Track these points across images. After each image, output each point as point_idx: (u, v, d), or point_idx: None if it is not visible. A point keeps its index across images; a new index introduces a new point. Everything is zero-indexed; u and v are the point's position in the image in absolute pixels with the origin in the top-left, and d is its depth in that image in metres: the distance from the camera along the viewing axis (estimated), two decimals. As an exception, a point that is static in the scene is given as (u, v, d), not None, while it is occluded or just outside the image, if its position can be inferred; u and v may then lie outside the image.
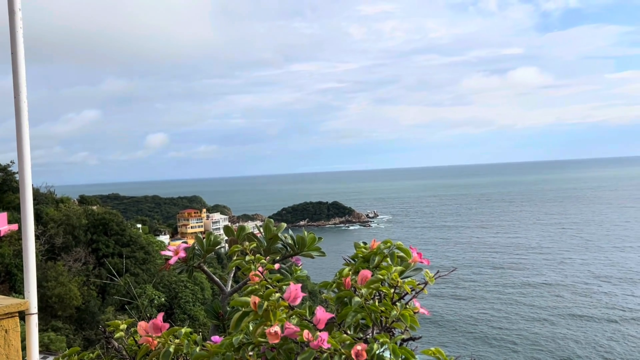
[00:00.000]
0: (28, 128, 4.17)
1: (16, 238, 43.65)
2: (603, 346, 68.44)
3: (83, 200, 78.34)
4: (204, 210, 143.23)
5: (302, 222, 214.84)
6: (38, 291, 4.47)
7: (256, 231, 3.13)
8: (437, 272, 2.01)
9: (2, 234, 43.62)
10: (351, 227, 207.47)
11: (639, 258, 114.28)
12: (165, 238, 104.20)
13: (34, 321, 4.18)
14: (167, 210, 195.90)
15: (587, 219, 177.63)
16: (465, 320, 79.29)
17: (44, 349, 31.69)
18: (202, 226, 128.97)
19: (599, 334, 72.60)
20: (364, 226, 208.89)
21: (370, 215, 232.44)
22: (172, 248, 2.52)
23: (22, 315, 4.19)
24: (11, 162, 54.65)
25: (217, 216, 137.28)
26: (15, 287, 39.29)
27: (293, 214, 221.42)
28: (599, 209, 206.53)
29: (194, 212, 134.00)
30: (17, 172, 54.53)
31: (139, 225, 77.26)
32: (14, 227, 46.34)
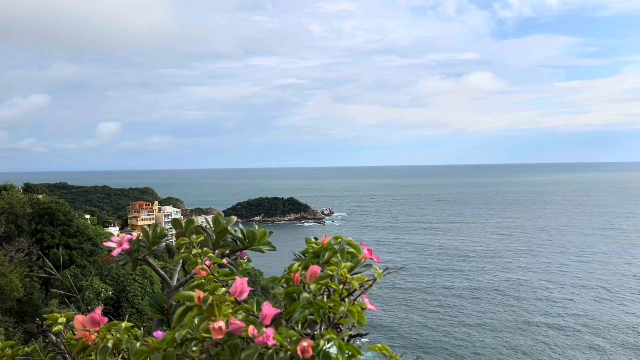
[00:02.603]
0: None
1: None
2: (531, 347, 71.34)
3: (28, 188, 75.11)
4: (156, 202, 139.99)
5: (257, 217, 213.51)
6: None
7: (206, 225, 3.06)
8: (386, 268, 2.01)
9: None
10: (306, 224, 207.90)
11: (573, 263, 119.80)
12: (114, 230, 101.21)
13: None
14: (117, 202, 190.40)
15: (530, 223, 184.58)
16: (404, 323, 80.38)
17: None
18: (153, 219, 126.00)
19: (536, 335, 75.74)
20: (319, 223, 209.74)
21: (326, 212, 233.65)
22: (115, 239, 2.43)
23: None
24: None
25: (169, 209, 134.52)
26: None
27: (248, 209, 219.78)
28: (541, 212, 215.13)
29: (145, 204, 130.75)
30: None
31: (87, 216, 74.75)
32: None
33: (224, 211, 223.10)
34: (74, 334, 2.85)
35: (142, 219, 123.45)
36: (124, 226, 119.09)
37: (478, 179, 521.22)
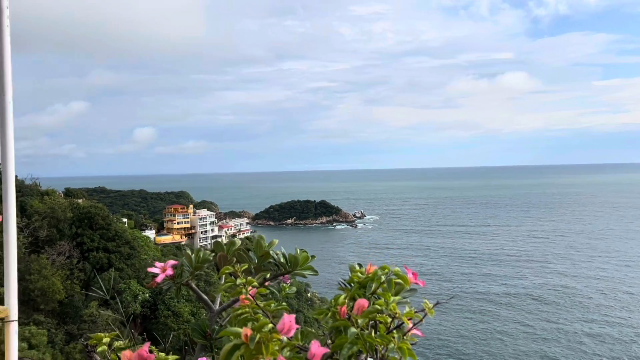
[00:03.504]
0: (13, 130, 4.03)
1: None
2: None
3: (69, 193, 77.44)
4: (191, 206, 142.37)
5: (289, 220, 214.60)
6: (20, 284, 4.34)
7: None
8: (437, 302, 1.94)
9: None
10: (338, 227, 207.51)
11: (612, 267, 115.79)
12: (151, 233, 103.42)
13: (13, 328, 4.05)
14: (153, 205, 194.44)
15: (568, 226, 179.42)
16: (435, 329, 79.04)
17: (25, 344, 31.26)
18: (188, 222, 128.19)
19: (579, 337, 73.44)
20: (351, 226, 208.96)
21: (358, 215, 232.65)
22: (159, 265, 2.43)
23: (2, 322, 4.06)
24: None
25: (203, 212, 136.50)
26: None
27: (280, 212, 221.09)
28: (579, 215, 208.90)
29: (181, 208, 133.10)
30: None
31: (125, 220, 76.56)
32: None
33: (256, 214, 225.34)
34: (118, 357, 2.88)
35: (178, 222, 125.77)
36: (160, 229, 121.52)
37: (513, 181, 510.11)
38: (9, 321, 4.02)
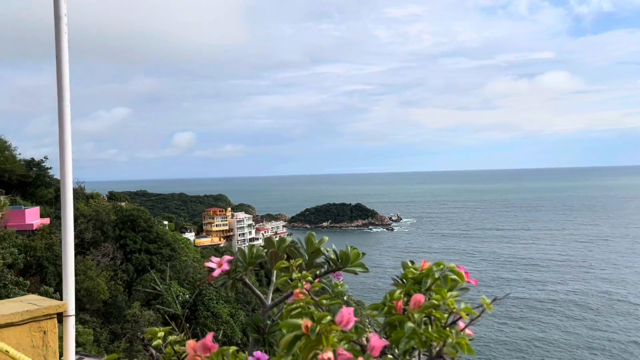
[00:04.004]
0: (70, 132, 4.22)
1: (47, 232, 44.74)
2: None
3: (112, 196, 79.71)
4: (229, 208, 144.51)
5: (324, 223, 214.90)
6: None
7: (280, 235, 3.06)
8: (495, 298, 1.92)
9: (34, 228, 44.79)
10: (374, 230, 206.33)
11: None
12: (190, 235, 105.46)
13: (71, 323, 4.23)
14: (193, 208, 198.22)
15: (612, 230, 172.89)
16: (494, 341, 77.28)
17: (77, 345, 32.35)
18: (226, 224, 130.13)
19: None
20: (387, 229, 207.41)
21: (394, 218, 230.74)
22: (215, 260, 2.50)
23: (60, 317, 4.24)
24: (45, 157, 56.11)
25: (241, 215, 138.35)
26: (45, 280, 40.28)
27: (316, 215, 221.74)
28: (624, 218, 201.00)
29: (219, 211, 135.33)
30: (49, 168, 55.97)
31: (166, 222, 78.33)
32: (46, 221, 47.56)
33: (292, 217, 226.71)
34: (174, 350, 2.97)
35: (216, 225, 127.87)
36: (199, 232, 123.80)
37: (554, 183, 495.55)
38: (67, 316, 4.20)
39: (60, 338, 4.27)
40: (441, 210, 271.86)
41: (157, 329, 3.07)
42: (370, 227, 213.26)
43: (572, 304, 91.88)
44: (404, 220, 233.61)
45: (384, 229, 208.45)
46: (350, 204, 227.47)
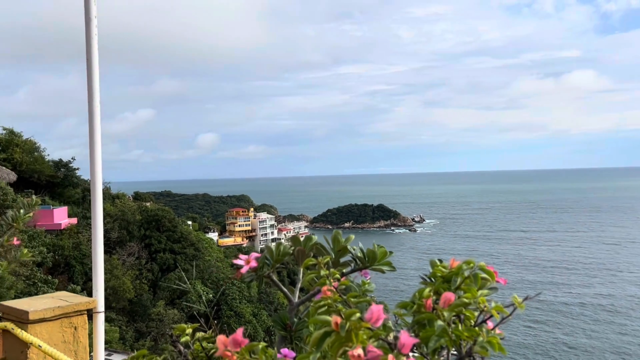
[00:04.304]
0: (100, 133, 4.30)
1: (75, 231, 45.70)
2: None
3: (137, 196, 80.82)
4: (252, 209, 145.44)
5: (346, 224, 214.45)
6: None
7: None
8: (526, 297, 1.89)
9: (62, 227, 45.78)
10: (397, 231, 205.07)
11: None
12: (214, 235, 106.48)
13: (100, 319, 4.31)
14: (216, 208, 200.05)
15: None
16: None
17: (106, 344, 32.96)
18: (249, 225, 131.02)
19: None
20: (410, 230, 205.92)
21: (417, 219, 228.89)
22: (243, 257, 2.52)
23: (90, 313, 4.32)
24: (72, 158, 57.31)
25: (263, 215, 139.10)
26: (73, 279, 41.15)
27: (338, 216, 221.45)
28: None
29: (242, 211, 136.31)
30: (77, 169, 57.10)
31: (190, 222, 79.21)
32: (73, 220, 48.58)
33: (314, 217, 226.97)
34: (202, 347, 3.00)
35: (239, 225, 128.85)
36: (222, 232, 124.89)
37: (581, 184, 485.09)
38: (97, 312, 4.28)
39: (90, 335, 4.36)
40: (465, 211, 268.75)
41: (185, 325, 3.11)
42: (392, 228, 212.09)
43: (599, 307, 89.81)
44: (427, 221, 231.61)
45: (407, 230, 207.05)
46: (372, 204, 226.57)
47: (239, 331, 1.89)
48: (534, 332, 78.27)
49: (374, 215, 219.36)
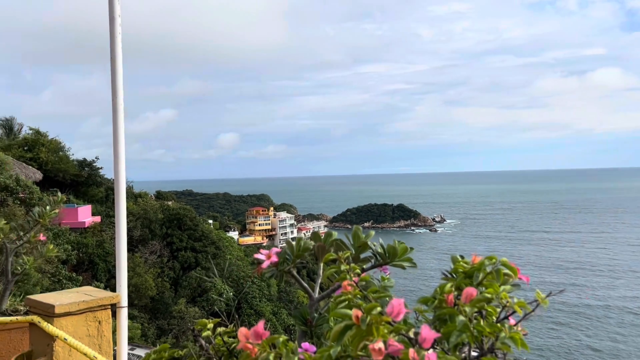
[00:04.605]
0: (123, 130, 4.37)
1: (98, 230, 46.48)
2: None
3: (159, 195, 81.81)
4: (272, 208, 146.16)
5: (366, 224, 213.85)
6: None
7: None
8: (550, 293, 1.87)
9: (86, 226, 46.61)
10: (417, 231, 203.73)
11: None
12: (234, 234, 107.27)
13: (124, 314, 4.39)
14: (236, 208, 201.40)
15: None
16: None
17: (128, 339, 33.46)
18: (269, 224, 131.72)
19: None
20: (430, 230, 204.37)
21: (437, 219, 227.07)
22: (264, 252, 2.54)
23: (113, 308, 4.39)
24: (96, 157, 58.27)
25: (283, 215, 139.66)
26: (96, 276, 41.85)
27: (357, 215, 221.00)
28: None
29: (262, 210, 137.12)
30: (100, 168, 58.03)
31: (211, 221, 79.93)
32: (97, 219, 49.40)
33: (334, 217, 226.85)
34: (224, 341, 3.03)
35: (259, 224, 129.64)
36: (242, 231, 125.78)
37: (606, 184, 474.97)
38: (120, 307, 4.35)
39: (113, 330, 4.42)
40: (486, 211, 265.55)
41: (206, 320, 3.14)
42: (412, 228, 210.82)
43: (624, 310, 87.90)
44: (448, 221, 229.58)
45: (427, 230, 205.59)
46: (392, 204, 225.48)
47: (261, 324, 1.91)
48: (556, 334, 76.97)
49: (393, 215, 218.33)
